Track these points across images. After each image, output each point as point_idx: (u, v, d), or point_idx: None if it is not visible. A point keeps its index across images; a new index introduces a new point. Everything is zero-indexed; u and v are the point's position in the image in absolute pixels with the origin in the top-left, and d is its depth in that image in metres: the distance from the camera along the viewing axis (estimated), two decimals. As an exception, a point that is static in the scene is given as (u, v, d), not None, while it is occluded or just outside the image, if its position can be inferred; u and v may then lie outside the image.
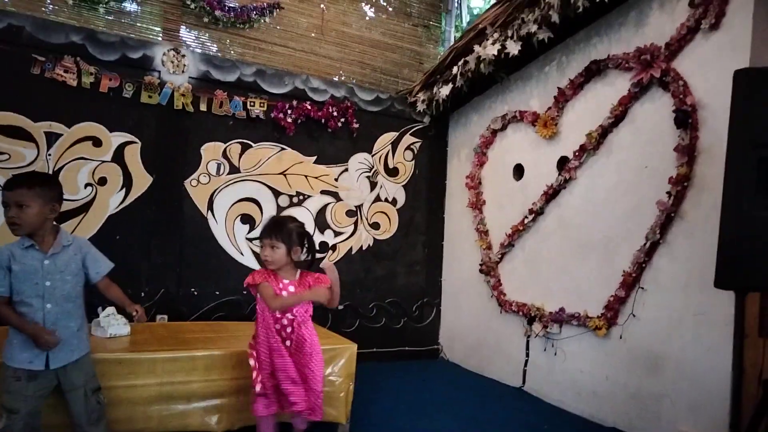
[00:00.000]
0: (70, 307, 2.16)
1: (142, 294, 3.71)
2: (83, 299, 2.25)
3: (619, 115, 3.30)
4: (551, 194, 3.76)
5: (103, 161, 3.63)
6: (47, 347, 2.04)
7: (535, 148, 3.99)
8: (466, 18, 5.37)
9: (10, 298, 2.07)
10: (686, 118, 2.86)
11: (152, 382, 2.49)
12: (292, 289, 2.40)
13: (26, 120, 3.41)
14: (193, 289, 3.89)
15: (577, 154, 3.55)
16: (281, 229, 2.42)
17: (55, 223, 2.18)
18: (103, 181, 3.62)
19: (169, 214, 3.84)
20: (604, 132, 3.39)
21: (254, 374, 2.39)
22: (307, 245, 2.49)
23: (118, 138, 3.67)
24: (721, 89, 2.69)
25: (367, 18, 4.94)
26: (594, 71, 3.50)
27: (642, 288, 3.13)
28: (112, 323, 2.89)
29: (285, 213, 4.22)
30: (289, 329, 2.40)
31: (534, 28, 3.46)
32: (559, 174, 3.69)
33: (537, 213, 3.87)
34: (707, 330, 2.77)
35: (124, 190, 3.69)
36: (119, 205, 3.68)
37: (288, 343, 2.39)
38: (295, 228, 2.46)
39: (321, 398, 2.44)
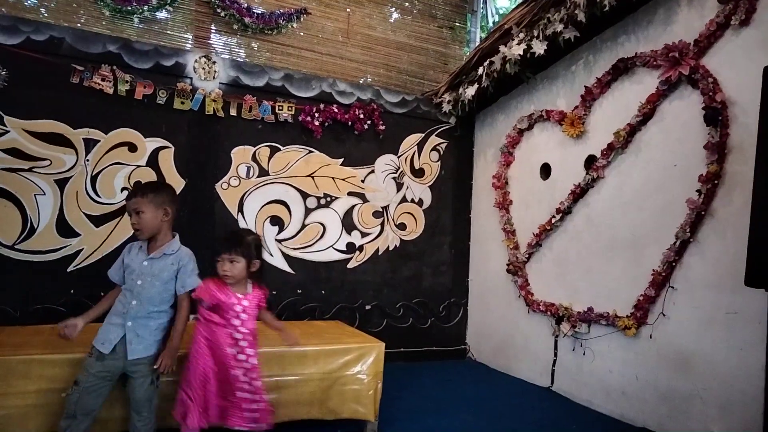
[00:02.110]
0: (152, 309, 2.32)
1: (176, 294, 3.82)
2: (171, 306, 2.40)
3: (647, 114, 3.27)
4: (579, 193, 3.74)
5: (139, 166, 3.75)
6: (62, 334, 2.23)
7: (562, 147, 3.97)
8: (494, 18, 5.37)
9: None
10: (716, 116, 2.82)
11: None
12: (246, 303, 2.41)
13: (66, 127, 3.56)
14: (224, 290, 3.99)
15: (605, 152, 3.53)
16: (240, 242, 2.41)
17: (173, 232, 2.45)
18: (138, 185, 3.75)
19: (201, 216, 3.95)
20: (633, 130, 3.36)
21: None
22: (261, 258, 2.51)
23: (152, 143, 3.79)
24: (752, 86, 2.65)
25: (392, 20, 4.99)
26: (621, 69, 3.47)
27: (672, 287, 3.10)
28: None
29: (313, 214, 4.30)
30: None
31: (560, 27, 3.46)
32: (587, 173, 3.67)
33: (564, 212, 3.86)
34: (739, 329, 2.73)
35: (158, 193, 3.81)
36: (154, 208, 3.79)
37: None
38: (253, 241, 2.47)
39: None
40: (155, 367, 2.30)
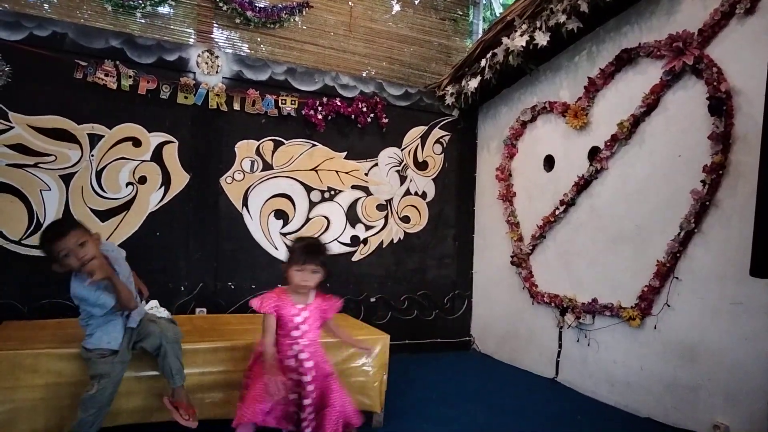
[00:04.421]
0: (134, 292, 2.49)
1: (182, 288, 3.85)
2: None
3: (651, 104, 3.26)
4: (582, 185, 3.74)
5: (143, 161, 3.77)
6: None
7: (565, 138, 3.96)
8: (499, 9, 5.33)
9: None
10: (720, 106, 2.81)
11: (194, 372, 2.59)
12: (306, 314, 2.36)
13: (70, 122, 3.57)
14: (230, 283, 4.01)
15: (608, 144, 3.52)
16: (323, 253, 2.39)
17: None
18: (143, 180, 3.76)
19: (205, 210, 3.96)
20: (636, 121, 3.35)
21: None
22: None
23: (156, 138, 3.80)
24: (757, 75, 2.64)
25: (394, 13, 4.97)
26: (625, 60, 3.46)
27: (677, 278, 3.10)
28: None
29: (318, 208, 4.31)
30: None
31: (563, 18, 3.44)
32: (591, 164, 3.67)
33: (568, 204, 3.86)
34: (744, 320, 2.73)
35: (163, 188, 3.82)
36: (159, 202, 3.81)
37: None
38: (327, 249, 2.48)
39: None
40: None
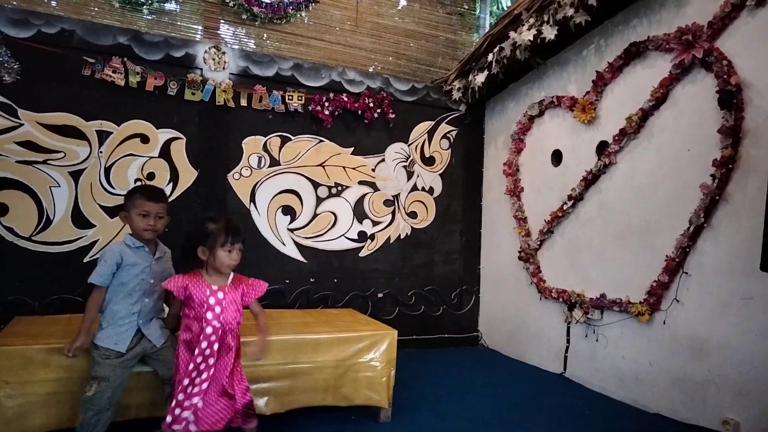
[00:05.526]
0: (160, 304, 2.49)
1: (190, 284, 3.86)
2: None
3: (660, 98, 3.23)
4: (591, 180, 3.72)
5: (151, 157, 3.78)
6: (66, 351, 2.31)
7: (573, 133, 3.94)
8: (506, 2, 5.30)
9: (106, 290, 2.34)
10: (730, 99, 2.79)
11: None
12: (221, 295, 2.29)
13: (79, 119, 3.59)
14: (237, 279, 4.02)
15: (617, 138, 3.50)
16: (241, 230, 2.36)
17: None
18: (151, 176, 3.78)
19: (213, 207, 3.97)
20: (645, 115, 3.33)
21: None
22: None
23: (164, 134, 3.82)
24: (768, 68, 2.62)
25: (401, 7, 4.95)
26: (633, 53, 3.43)
27: (686, 273, 3.08)
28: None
29: (325, 204, 4.32)
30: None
31: (571, 11, 3.41)
32: (599, 159, 3.65)
33: (576, 199, 3.84)
34: (754, 314, 2.71)
35: (171, 184, 3.84)
36: (167, 198, 3.83)
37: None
38: None
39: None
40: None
